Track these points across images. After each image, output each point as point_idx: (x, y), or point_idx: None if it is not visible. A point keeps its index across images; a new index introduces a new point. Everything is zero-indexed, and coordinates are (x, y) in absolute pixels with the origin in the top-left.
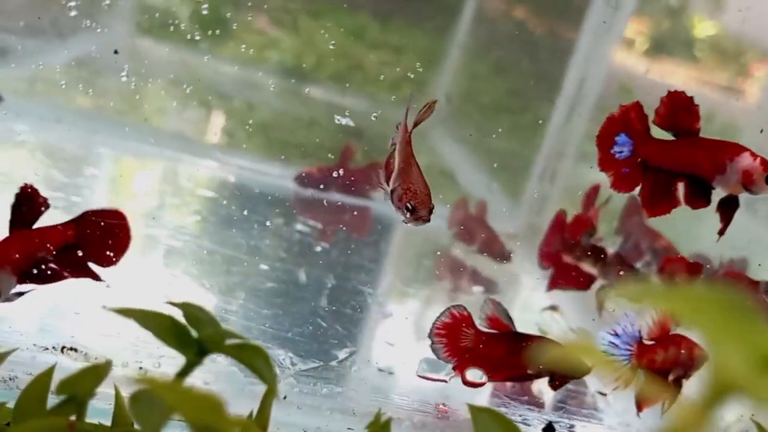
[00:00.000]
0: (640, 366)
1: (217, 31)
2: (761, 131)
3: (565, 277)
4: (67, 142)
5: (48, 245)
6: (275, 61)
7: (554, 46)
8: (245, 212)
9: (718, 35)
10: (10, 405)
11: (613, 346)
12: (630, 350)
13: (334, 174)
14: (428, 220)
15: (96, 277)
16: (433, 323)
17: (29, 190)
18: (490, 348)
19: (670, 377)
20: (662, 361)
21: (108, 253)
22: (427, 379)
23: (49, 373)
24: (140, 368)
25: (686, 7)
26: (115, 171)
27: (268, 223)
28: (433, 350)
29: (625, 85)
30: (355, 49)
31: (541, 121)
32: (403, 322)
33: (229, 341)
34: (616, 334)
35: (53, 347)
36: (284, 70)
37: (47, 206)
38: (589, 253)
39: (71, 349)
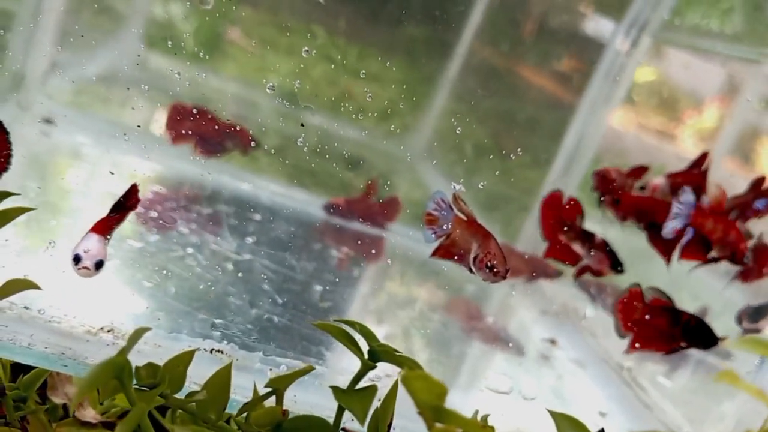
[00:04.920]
0: None
1: (213, 50)
2: None
3: (558, 251)
4: (125, 155)
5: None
6: (270, 84)
7: (544, 100)
8: (291, 236)
9: (656, 81)
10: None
11: None
12: None
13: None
14: (505, 277)
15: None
16: (615, 300)
17: (135, 187)
18: (654, 319)
19: None
20: None
21: None
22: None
23: (228, 368)
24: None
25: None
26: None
27: (312, 247)
28: (615, 326)
29: None
30: (339, 76)
31: (533, 166)
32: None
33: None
34: None
35: (204, 349)
36: (280, 94)
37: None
38: (581, 235)
39: (218, 351)
